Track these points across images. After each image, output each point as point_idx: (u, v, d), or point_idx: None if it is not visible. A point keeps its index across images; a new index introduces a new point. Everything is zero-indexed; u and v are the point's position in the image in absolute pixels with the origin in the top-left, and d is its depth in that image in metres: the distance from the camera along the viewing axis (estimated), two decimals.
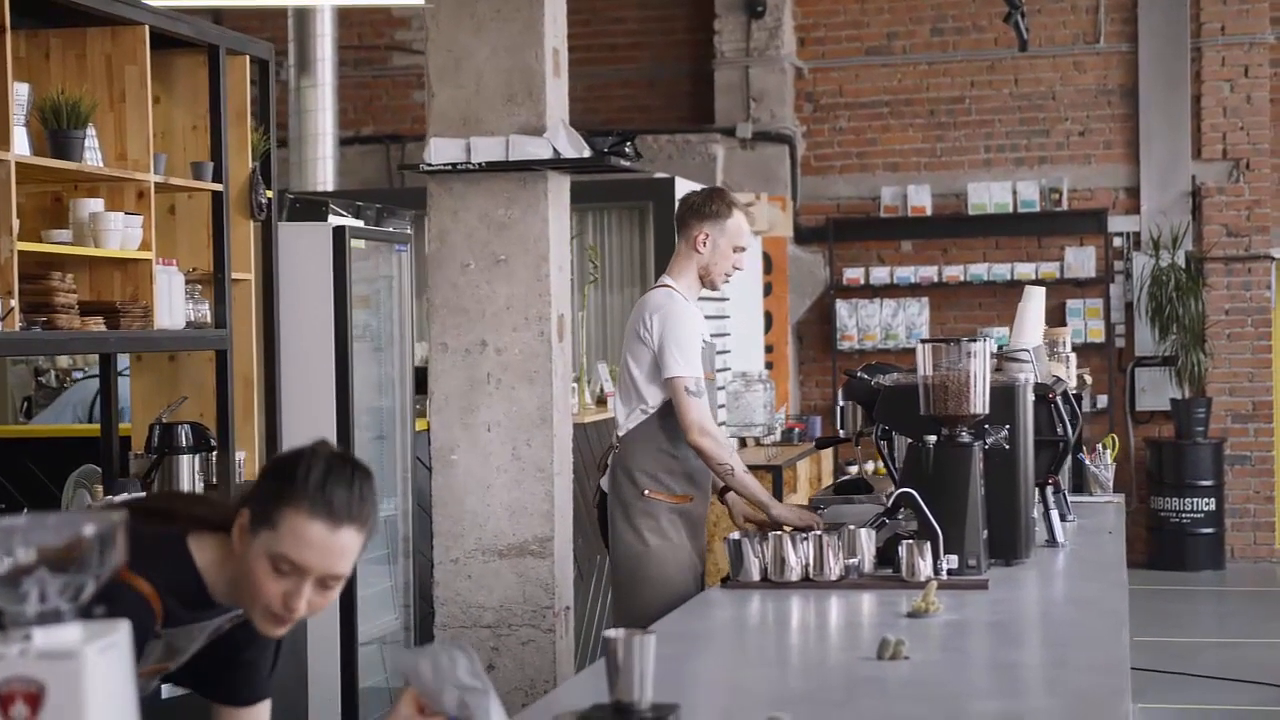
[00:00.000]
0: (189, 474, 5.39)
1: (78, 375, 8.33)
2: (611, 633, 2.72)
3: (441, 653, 2.50)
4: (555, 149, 5.76)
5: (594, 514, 5.51)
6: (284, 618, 2.62)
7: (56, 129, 4.79)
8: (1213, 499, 12.22)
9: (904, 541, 4.22)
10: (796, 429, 10.82)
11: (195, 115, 5.65)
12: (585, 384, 8.37)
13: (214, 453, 5.55)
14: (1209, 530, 12.24)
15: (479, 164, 5.75)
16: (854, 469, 12.00)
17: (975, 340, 4.40)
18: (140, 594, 2.61)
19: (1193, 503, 12.20)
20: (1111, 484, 6.38)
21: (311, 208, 6.55)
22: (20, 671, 1.70)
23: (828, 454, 11.05)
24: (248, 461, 5.84)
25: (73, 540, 1.76)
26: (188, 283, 5.49)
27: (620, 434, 5.28)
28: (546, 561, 5.74)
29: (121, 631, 1.77)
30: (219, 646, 2.81)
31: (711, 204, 5.29)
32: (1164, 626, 10.26)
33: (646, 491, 5.18)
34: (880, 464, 11.95)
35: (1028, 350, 5.16)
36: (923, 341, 4.44)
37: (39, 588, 1.74)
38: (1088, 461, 6.36)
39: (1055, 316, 12.36)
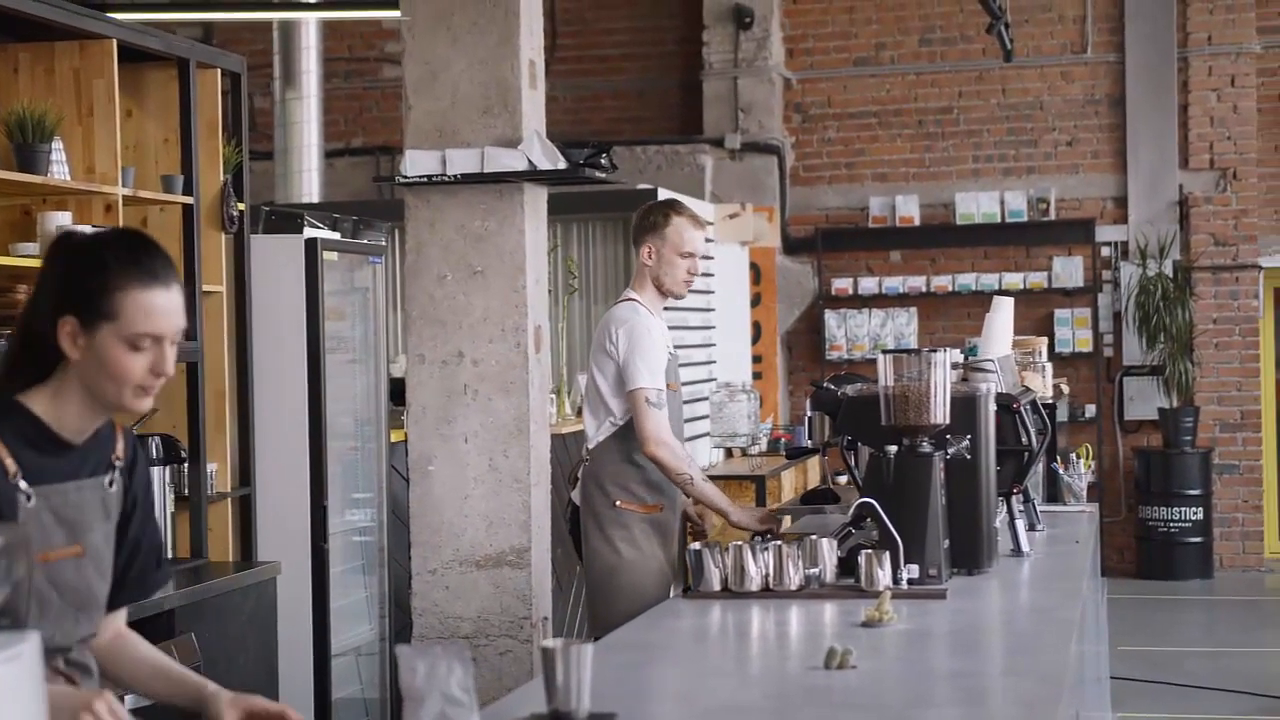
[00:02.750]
0: (160, 486, 5.40)
1: None
2: (548, 643, 2.74)
3: (442, 658, 2.53)
4: (530, 161, 5.78)
5: (567, 526, 5.55)
6: (150, 387, 2.71)
7: (22, 142, 4.81)
8: (1201, 508, 12.22)
9: (863, 551, 4.24)
10: (783, 439, 10.82)
11: (167, 128, 5.68)
12: (565, 395, 8.39)
13: (185, 465, 5.56)
14: (1197, 539, 12.24)
15: (455, 176, 5.77)
16: (843, 479, 12.00)
17: (936, 351, 4.41)
18: None
19: (1181, 512, 12.20)
20: (1085, 494, 6.38)
21: (287, 220, 6.56)
22: None
23: (814, 464, 11.05)
24: (219, 474, 5.86)
25: None
26: None
27: (589, 446, 5.36)
28: (524, 572, 5.75)
29: (30, 642, 1.79)
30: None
31: (649, 216, 5.39)
32: (1151, 635, 10.27)
33: (618, 503, 5.24)
34: None
35: (992, 360, 5.17)
36: (884, 352, 4.46)
37: None
38: (1061, 471, 6.37)
39: (1043, 326, 12.38)
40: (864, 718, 2.96)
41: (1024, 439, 4.99)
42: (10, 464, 2.64)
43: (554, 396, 7.80)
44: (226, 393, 5.91)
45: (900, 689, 3.22)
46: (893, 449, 4.39)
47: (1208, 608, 11.63)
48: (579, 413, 8.21)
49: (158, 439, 5.42)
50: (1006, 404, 4.95)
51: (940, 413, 4.38)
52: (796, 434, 11.20)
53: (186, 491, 5.62)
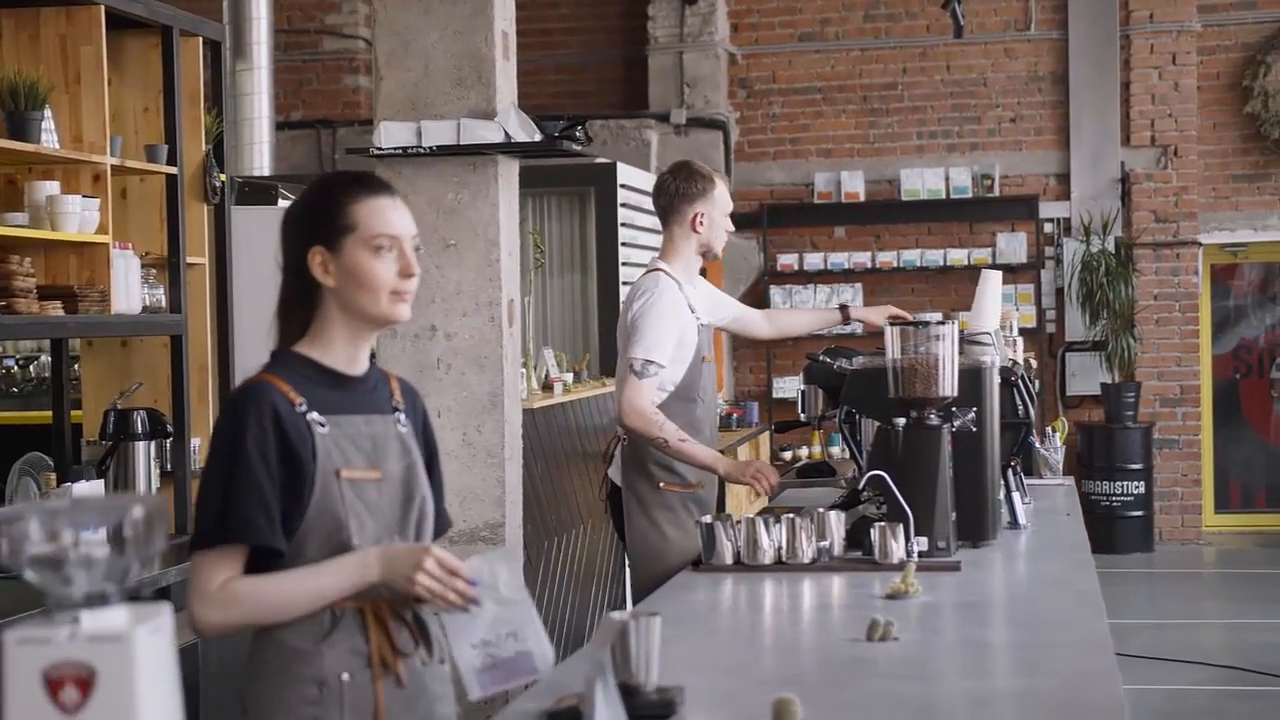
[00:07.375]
0: (144, 461, 5.32)
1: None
2: (618, 615, 2.71)
3: (484, 566, 2.55)
4: (506, 133, 5.73)
5: (604, 506, 5.39)
6: (404, 290, 2.85)
7: (13, 110, 4.71)
8: (1142, 482, 12.36)
9: (876, 524, 4.23)
10: (735, 415, 10.84)
11: (147, 97, 5.57)
12: (533, 369, 8.34)
13: (169, 439, 5.48)
14: (1138, 513, 12.39)
15: (429, 148, 5.71)
16: (792, 452, 12.05)
17: (944, 323, 4.41)
18: (256, 379, 2.83)
19: (1122, 486, 12.34)
20: (1061, 467, 6.43)
21: (260, 192, 6.49)
22: (70, 655, 1.67)
23: (765, 439, 11.09)
24: (203, 448, 5.77)
25: (119, 522, 1.74)
26: (143, 267, 5.42)
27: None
28: (498, 547, 5.73)
29: (165, 615, 1.75)
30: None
31: (696, 183, 5.31)
32: None
33: (662, 484, 5.13)
34: (818, 448, 12.00)
35: (989, 333, 5.18)
36: (891, 323, 4.45)
37: (85, 570, 1.72)
38: (1038, 445, 6.41)
39: None
40: (920, 689, 2.95)
41: (1021, 411, 5.01)
42: (296, 397, 2.79)
43: (522, 371, 7.75)
44: (209, 366, 5.82)
45: (949, 660, 3.23)
46: (901, 421, 4.39)
47: (1149, 581, 11.77)
48: (545, 388, 8.17)
49: (143, 413, 5.34)
50: (1005, 376, 4.97)
51: (948, 385, 4.38)
52: (747, 410, 11.24)
53: (170, 466, 5.52)
